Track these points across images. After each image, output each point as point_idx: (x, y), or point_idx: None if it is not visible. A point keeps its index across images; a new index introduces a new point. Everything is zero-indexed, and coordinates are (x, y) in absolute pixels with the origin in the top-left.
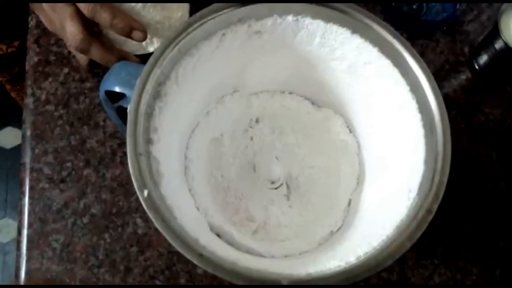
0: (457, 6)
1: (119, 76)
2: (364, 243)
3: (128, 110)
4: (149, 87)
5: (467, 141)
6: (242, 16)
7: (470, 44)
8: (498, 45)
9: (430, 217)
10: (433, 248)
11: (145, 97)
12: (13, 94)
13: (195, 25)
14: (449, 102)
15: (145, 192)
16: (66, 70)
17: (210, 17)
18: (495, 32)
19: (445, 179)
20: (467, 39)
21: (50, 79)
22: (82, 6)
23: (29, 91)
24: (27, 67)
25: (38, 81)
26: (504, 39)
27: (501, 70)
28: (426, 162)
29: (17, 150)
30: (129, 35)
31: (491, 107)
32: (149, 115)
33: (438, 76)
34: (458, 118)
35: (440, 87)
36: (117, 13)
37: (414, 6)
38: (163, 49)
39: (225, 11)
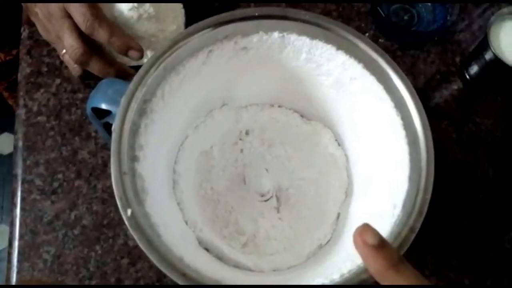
0: (448, 17)
1: (105, 94)
2: (349, 260)
3: (112, 128)
4: (134, 104)
5: (458, 151)
6: (228, 33)
7: (461, 54)
8: (488, 56)
9: (413, 235)
10: (423, 258)
11: (130, 115)
12: (10, 102)
13: (181, 43)
14: (440, 112)
15: (129, 212)
16: (58, 81)
17: (195, 35)
18: (485, 44)
19: (428, 197)
20: (458, 49)
21: (42, 90)
22: (80, 22)
23: (21, 102)
24: (19, 78)
25: (30, 92)
26: (493, 50)
27: (492, 81)
28: (411, 178)
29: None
30: (125, 54)
31: (482, 117)
32: (135, 133)
33: (429, 86)
34: (449, 128)
35: (431, 97)
36: (114, 31)
37: (406, 17)
38: (148, 68)
39: (210, 28)
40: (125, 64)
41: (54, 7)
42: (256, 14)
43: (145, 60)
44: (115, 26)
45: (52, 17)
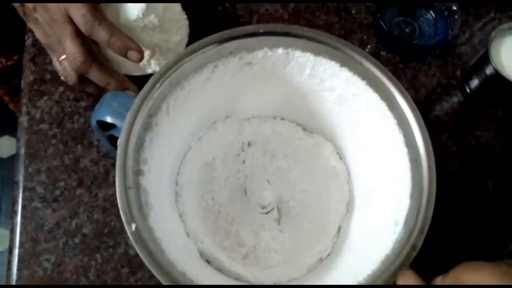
0: (449, 31)
1: (110, 107)
2: (350, 276)
3: (118, 143)
4: (139, 119)
5: (458, 164)
6: (233, 49)
7: (462, 67)
8: (488, 70)
9: (415, 253)
10: (424, 270)
11: (136, 129)
12: (11, 106)
13: (186, 59)
14: (440, 125)
15: (133, 226)
16: (61, 89)
17: (201, 51)
18: (486, 58)
19: (430, 215)
20: (459, 63)
21: (45, 98)
22: (80, 23)
23: (24, 109)
24: (23, 85)
25: (33, 100)
26: (494, 65)
27: (492, 95)
28: (412, 196)
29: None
30: (125, 55)
31: (482, 130)
32: (140, 147)
33: (430, 99)
34: (450, 141)
35: (432, 110)
36: (114, 32)
37: (407, 30)
38: (154, 83)
39: (215, 45)
40: (128, 74)
41: (56, 12)
42: (261, 30)
43: (148, 70)
44: (115, 27)
45: (54, 23)
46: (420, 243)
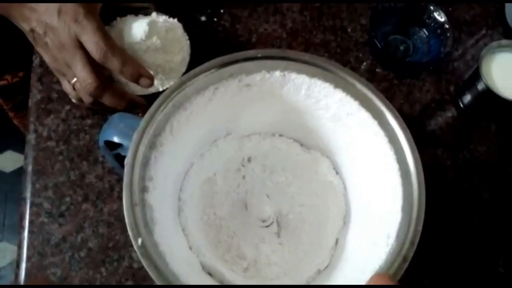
0: (442, 48)
1: (117, 127)
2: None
3: (125, 163)
4: (145, 139)
5: (453, 177)
6: (233, 72)
7: (455, 83)
8: (480, 86)
9: (406, 265)
10: (419, 281)
11: (141, 149)
12: (15, 121)
13: (188, 83)
14: (435, 139)
15: (139, 241)
16: (67, 107)
17: (202, 75)
18: (477, 75)
19: (420, 228)
20: (452, 78)
21: (52, 116)
22: (93, 51)
23: (31, 127)
24: (30, 104)
25: (41, 118)
26: (485, 81)
27: (485, 110)
28: (403, 210)
29: (16, 174)
30: (137, 81)
31: (476, 144)
32: (145, 165)
33: (425, 114)
34: (444, 155)
35: (427, 124)
36: (127, 60)
37: (401, 48)
38: (158, 106)
39: (216, 68)
40: (134, 93)
41: (66, 36)
42: (259, 55)
43: (152, 90)
44: (127, 55)
45: (64, 48)
46: (411, 255)
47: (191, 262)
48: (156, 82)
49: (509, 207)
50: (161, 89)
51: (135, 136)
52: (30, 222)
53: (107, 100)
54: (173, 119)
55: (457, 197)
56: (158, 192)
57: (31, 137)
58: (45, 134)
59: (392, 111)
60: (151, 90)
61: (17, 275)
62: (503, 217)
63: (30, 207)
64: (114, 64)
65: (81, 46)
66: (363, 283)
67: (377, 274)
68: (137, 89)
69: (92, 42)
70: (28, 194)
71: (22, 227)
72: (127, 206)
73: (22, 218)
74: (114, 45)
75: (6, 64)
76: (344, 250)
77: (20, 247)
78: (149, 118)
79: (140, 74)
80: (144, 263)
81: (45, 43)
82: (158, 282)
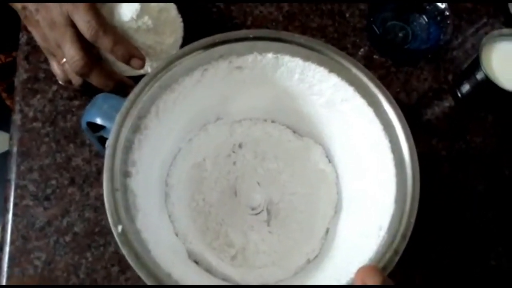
0: (441, 36)
1: (101, 109)
2: (334, 279)
3: (106, 145)
4: (128, 121)
5: (448, 168)
6: (223, 53)
7: (453, 72)
8: (479, 76)
9: (397, 258)
10: (411, 277)
11: (124, 132)
12: (8, 102)
13: (176, 62)
14: (431, 129)
15: (119, 228)
16: (54, 87)
17: (191, 55)
18: (477, 64)
19: (413, 220)
20: (451, 67)
21: (38, 96)
22: (84, 30)
23: (17, 107)
24: (16, 83)
25: (27, 98)
26: (484, 71)
27: (483, 100)
28: (397, 201)
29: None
30: (128, 62)
31: (472, 134)
32: (128, 149)
33: (422, 103)
34: (440, 145)
35: (423, 113)
36: (118, 40)
37: (400, 34)
38: (143, 86)
39: (205, 49)
40: (123, 74)
41: (58, 14)
42: (251, 35)
43: (141, 71)
44: (119, 34)
45: (55, 25)
46: (402, 248)
47: (176, 250)
48: (147, 64)
49: (504, 200)
50: (150, 71)
51: (118, 118)
52: (15, 204)
53: (94, 79)
54: (159, 101)
55: (451, 189)
56: (141, 177)
57: (16, 118)
58: (31, 114)
59: (389, 98)
60: (140, 71)
61: (0, 259)
62: (496, 209)
63: (15, 190)
64: (105, 43)
65: (72, 25)
66: (351, 275)
67: (366, 266)
68: (125, 69)
69: (84, 21)
70: (13, 176)
71: (6, 210)
72: (107, 192)
73: (6, 200)
74: (105, 24)
75: None
76: (334, 240)
77: (3, 229)
78: (133, 99)
79: (132, 54)
80: (124, 251)
81: (37, 21)
82: (137, 270)
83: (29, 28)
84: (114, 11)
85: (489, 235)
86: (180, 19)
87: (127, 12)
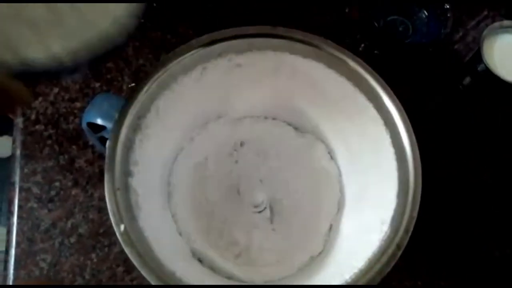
0: (442, 30)
1: (100, 109)
2: (338, 274)
3: (106, 145)
4: (128, 121)
5: (450, 161)
6: (222, 51)
7: (455, 65)
8: (481, 68)
9: (399, 252)
10: (417, 268)
11: (124, 131)
12: None
13: (174, 61)
14: (432, 122)
15: (122, 227)
16: (56, 90)
17: (189, 53)
18: (478, 57)
19: (415, 215)
20: (452, 60)
21: (40, 99)
22: None
23: (19, 110)
24: None
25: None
26: (486, 63)
27: (484, 92)
28: (398, 195)
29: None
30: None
31: (475, 127)
32: (129, 148)
33: (423, 97)
34: (441, 138)
35: (425, 106)
36: None
37: (400, 29)
38: (142, 85)
39: (204, 46)
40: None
41: None
42: (249, 32)
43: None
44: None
45: None
46: (405, 243)
47: (179, 248)
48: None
49: (507, 191)
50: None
51: (117, 117)
52: (19, 207)
53: None
54: (159, 101)
55: (454, 182)
56: (144, 177)
57: (19, 121)
58: (33, 117)
59: (389, 93)
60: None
61: (6, 261)
62: (500, 200)
63: (19, 192)
64: None
65: None
66: (354, 270)
67: None
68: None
69: None
70: (16, 179)
71: (11, 213)
72: (109, 191)
73: (11, 203)
74: None
75: None
76: (337, 236)
77: (9, 232)
78: (131, 98)
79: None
80: (126, 250)
81: None
82: (140, 269)
83: None
84: None
85: (493, 226)
86: None
87: None
